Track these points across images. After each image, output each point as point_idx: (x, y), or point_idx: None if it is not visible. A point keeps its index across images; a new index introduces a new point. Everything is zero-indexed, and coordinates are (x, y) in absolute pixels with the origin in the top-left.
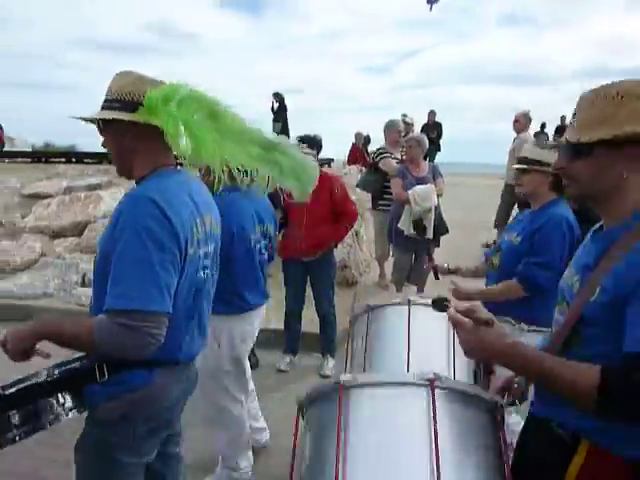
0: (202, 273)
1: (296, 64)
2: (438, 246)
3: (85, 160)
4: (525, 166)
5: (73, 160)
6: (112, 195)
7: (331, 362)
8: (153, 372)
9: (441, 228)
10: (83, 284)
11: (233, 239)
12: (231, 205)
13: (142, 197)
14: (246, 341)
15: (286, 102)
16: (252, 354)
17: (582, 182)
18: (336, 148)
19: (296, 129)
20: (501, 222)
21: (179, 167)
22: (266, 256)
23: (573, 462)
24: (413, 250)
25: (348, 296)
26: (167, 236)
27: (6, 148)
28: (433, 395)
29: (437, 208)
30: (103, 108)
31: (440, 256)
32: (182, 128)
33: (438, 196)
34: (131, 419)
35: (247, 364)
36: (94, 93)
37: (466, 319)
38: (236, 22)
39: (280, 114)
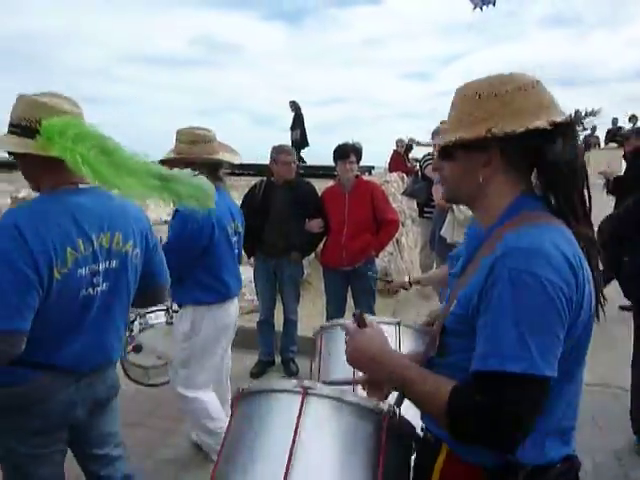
0: (91, 290)
1: (337, 72)
2: None
3: None
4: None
5: None
6: (157, 203)
7: None
8: (36, 373)
9: None
10: None
11: (213, 227)
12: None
13: (7, 220)
14: (226, 333)
15: (304, 110)
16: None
17: (449, 185)
18: (377, 155)
19: (336, 137)
20: None
21: (84, 185)
22: (237, 252)
23: (437, 463)
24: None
25: (389, 305)
26: (21, 258)
27: None
28: (302, 402)
29: None
30: (9, 132)
31: None
32: (80, 162)
33: None
34: (20, 411)
35: (226, 355)
36: (144, 106)
37: (353, 325)
38: (278, 33)
39: (297, 122)
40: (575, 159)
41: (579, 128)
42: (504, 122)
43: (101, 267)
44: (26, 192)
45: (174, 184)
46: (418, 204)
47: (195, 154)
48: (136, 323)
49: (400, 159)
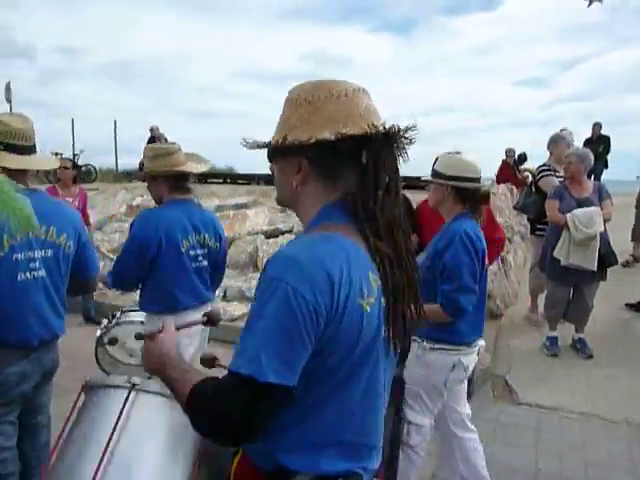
0: (28, 274)
1: (446, 81)
2: (604, 279)
3: (238, 181)
4: (428, 178)
5: (228, 181)
6: (257, 213)
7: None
8: None
9: (609, 258)
10: (224, 297)
11: (160, 240)
12: (158, 216)
13: None
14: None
15: (434, 120)
16: None
17: (276, 188)
18: (486, 166)
19: (441, 148)
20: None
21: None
22: (205, 263)
23: (234, 464)
24: (572, 283)
25: (492, 329)
26: None
27: None
28: (128, 396)
29: (603, 235)
30: None
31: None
32: None
33: (605, 221)
34: None
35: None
36: (257, 120)
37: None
38: (386, 44)
39: None
40: (378, 174)
41: (403, 142)
42: (302, 130)
43: (37, 255)
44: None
45: None
46: (529, 219)
47: (157, 168)
48: (117, 317)
49: (509, 170)
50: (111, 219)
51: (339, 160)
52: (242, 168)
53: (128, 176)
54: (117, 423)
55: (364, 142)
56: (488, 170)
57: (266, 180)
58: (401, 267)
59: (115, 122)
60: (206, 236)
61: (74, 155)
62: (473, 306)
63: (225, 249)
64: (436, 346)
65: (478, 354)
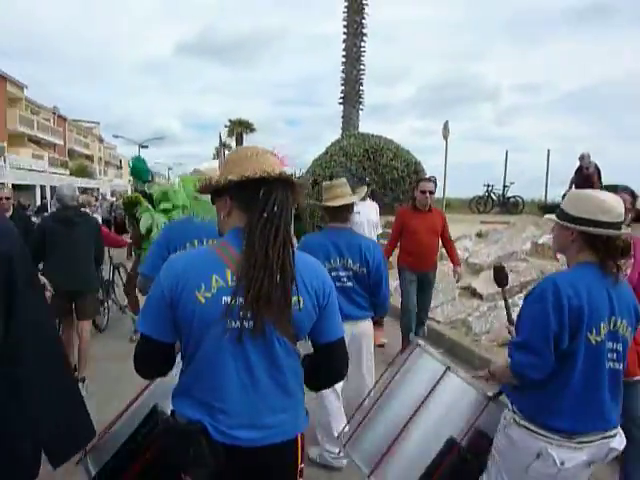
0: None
1: None
2: None
3: None
4: (552, 217)
5: None
6: None
7: None
8: None
9: None
10: None
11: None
12: (305, 241)
13: None
14: None
15: None
16: None
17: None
18: None
19: None
20: None
21: None
22: (350, 284)
23: None
24: None
25: None
26: None
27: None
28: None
29: None
30: None
31: None
32: None
33: None
34: None
35: None
36: None
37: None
38: None
39: None
40: (267, 205)
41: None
42: (223, 178)
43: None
44: None
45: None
46: None
47: (324, 201)
48: None
49: None
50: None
51: (249, 196)
52: None
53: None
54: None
55: (262, 183)
56: None
57: None
58: (269, 274)
59: (548, 151)
60: (350, 260)
61: (504, 187)
62: (536, 376)
63: (379, 274)
64: (522, 422)
65: (601, 459)
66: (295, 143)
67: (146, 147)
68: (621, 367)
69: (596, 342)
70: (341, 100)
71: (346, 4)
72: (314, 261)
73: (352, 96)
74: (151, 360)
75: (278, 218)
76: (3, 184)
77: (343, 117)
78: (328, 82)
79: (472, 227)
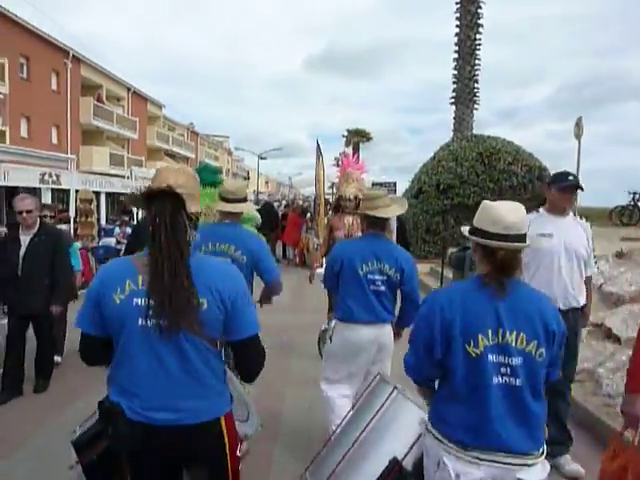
0: None
1: None
2: None
3: None
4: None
5: None
6: None
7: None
8: None
9: None
10: None
11: (342, 264)
12: (344, 245)
13: None
14: (354, 350)
15: None
16: None
17: None
18: None
19: None
20: None
21: None
22: (384, 288)
23: None
24: None
25: None
26: None
27: None
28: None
29: None
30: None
31: None
32: None
33: None
34: None
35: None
36: None
37: None
38: None
39: None
40: (154, 217)
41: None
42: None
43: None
44: None
45: None
46: None
47: (361, 209)
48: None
49: None
50: None
51: (146, 210)
52: None
53: None
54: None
55: (150, 198)
56: None
57: None
58: (163, 279)
59: None
60: (386, 265)
61: None
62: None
63: (411, 284)
64: (430, 429)
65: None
66: (417, 151)
67: (264, 158)
68: (521, 384)
69: (475, 354)
70: (452, 100)
71: None
72: (225, 267)
73: (465, 95)
74: (89, 351)
75: (159, 228)
76: (26, 195)
77: (455, 119)
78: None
79: (610, 244)
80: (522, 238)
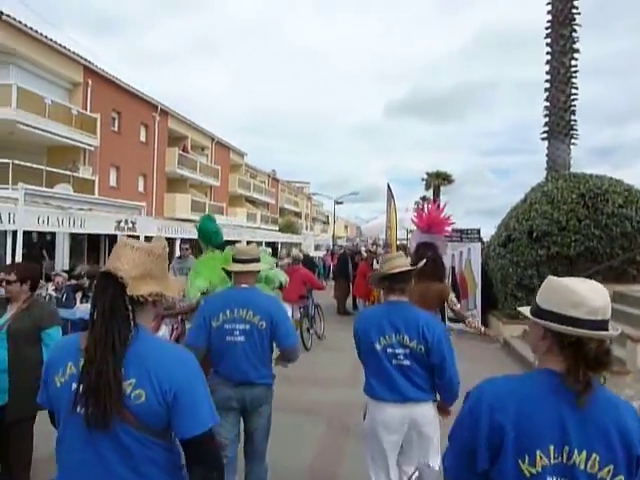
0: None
1: None
2: None
3: None
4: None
5: None
6: None
7: None
8: None
9: None
10: None
11: (357, 336)
12: (362, 316)
13: None
14: (381, 431)
15: None
16: None
17: None
18: None
19: None
20: None
21: None
22: (407, 363)
23: None
24: None
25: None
26: None
27: None
28: None
29: None
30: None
31: None
32: None
33: None
34: None
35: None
36: None
37: None
38: None
39: None
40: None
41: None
42: None
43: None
44: None
45: None
46: None
47: (382, 270)
48: None
49: None
50: None
51: None
52: None
53: None
54: None
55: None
56: None
57: None
58: (99, 364)
59: None
60: (406, 337)
61: None
62: None
63: (440, 353)
64: None
65: None
66: (504, 193)
67: (341, 203)
68: None
69: (530, 474)
70: (545, 135)
71: (549, 15)
72: (176, 354)
73: (560, 128)
74: (52, 421)
75: (97, 312)
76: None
77: (548, 155)
78: (542, 127)
79: None
80: (607, 326)
